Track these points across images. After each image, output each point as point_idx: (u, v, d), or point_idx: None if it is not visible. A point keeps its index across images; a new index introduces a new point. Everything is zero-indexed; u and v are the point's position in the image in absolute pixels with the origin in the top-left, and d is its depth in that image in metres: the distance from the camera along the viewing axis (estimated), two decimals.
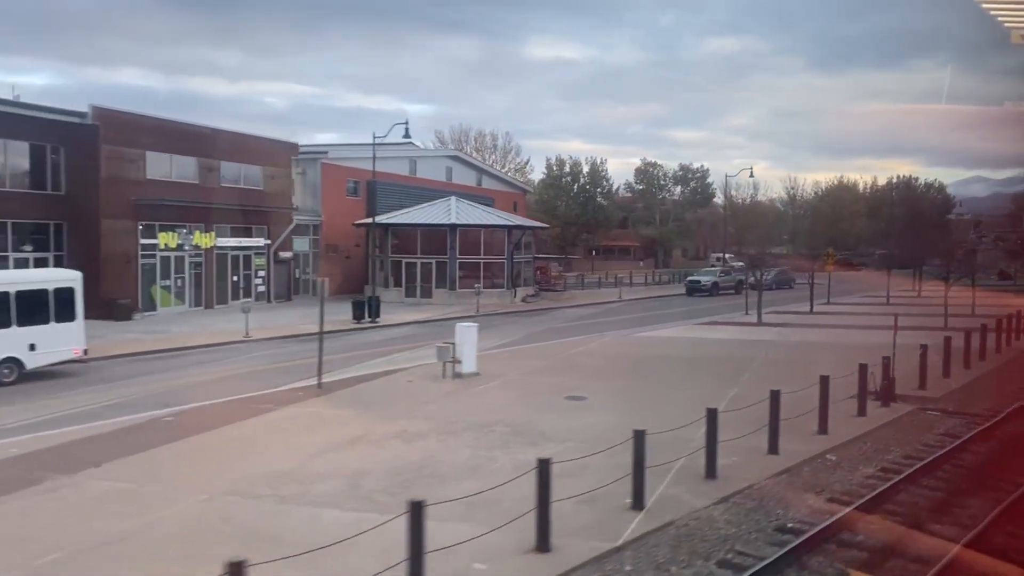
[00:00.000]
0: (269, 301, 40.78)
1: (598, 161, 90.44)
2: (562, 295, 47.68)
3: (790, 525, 9.85)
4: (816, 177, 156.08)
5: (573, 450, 12.28)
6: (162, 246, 34.50)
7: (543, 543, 8.90)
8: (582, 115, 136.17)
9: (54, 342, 20.09)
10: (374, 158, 38.14)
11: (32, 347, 19.66)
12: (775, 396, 12.89)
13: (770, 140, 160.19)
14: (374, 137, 36.18)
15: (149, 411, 15.97)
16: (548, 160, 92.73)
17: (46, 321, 19.98)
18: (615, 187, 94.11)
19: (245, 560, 6.32)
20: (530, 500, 8.95)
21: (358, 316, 32.72)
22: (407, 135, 37.69)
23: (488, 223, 43.14)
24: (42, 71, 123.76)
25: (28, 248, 30.77)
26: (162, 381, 20.06)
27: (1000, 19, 9.59)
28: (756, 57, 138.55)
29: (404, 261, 42.38)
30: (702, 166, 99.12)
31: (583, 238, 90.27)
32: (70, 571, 8.51)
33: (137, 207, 33.22)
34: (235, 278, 39.16)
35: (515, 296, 42.63)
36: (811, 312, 35.52)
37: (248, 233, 39.91)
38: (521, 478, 9.69)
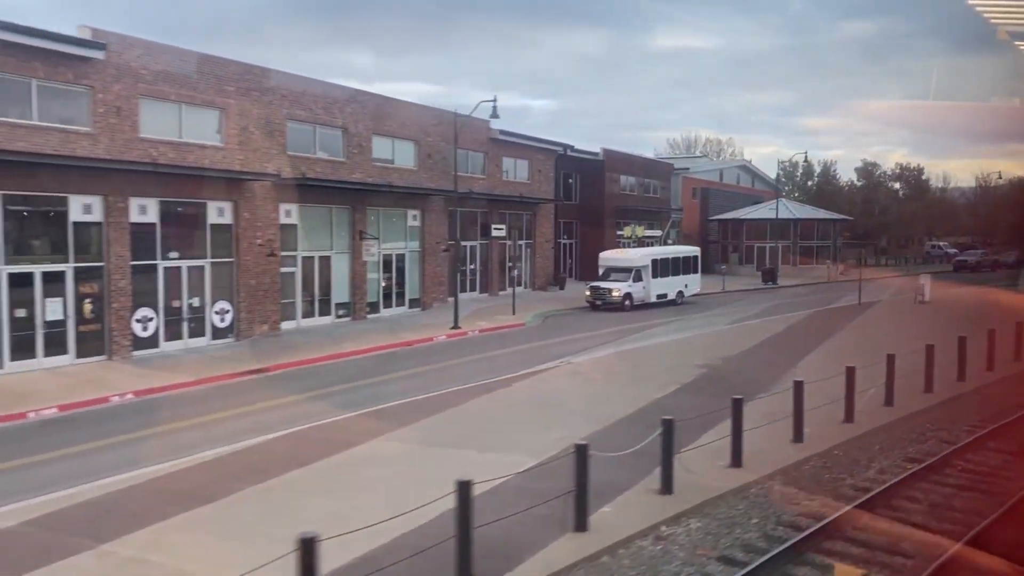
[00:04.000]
0: None
1: (829, 161, 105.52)
2: (863, 270, 63.71)
3: None
4: (956, 164, 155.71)
5: None
6: (625, 236, 53.37)
7: None
8: (708, 104, 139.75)
9: (691, 285, 38.79)
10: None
11: (685, 286, 38.36)
12: None
13: (908, 127, 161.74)
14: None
15: (805, 309, 33.81)
16: (781, 161, 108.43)
17: (688, 273, 38.65)
18: (843, 184, 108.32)
19: None
20: None
21: (766, 280, 50.42)
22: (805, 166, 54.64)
23: (819, 217, 60.13)
24: None
25: (565, 237, 50.12)
26: (752, 305, 38.02)
27: (987, 16, 9.19)
28: (893, 40, 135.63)
29: (756, 246, 59.90)
30: (918, 165, 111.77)
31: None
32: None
33: (617, 211, 52.22)
34: None
35: (837, 271, 59.31)
36: None
37: (652, 226, 58.42)
38: None
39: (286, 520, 9.65)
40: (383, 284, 32.19)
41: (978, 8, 8.98)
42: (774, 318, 31.89)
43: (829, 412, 14.36)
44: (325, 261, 29.42)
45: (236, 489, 11.14)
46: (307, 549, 6.71)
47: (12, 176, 19.22)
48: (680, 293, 38.03)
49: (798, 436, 13.13)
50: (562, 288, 44.15)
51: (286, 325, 27.40)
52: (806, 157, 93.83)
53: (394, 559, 8.23)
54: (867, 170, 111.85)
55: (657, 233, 59.12)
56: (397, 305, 32.96)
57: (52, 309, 20.42)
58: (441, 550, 8.20)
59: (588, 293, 36.01)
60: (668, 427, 10.48)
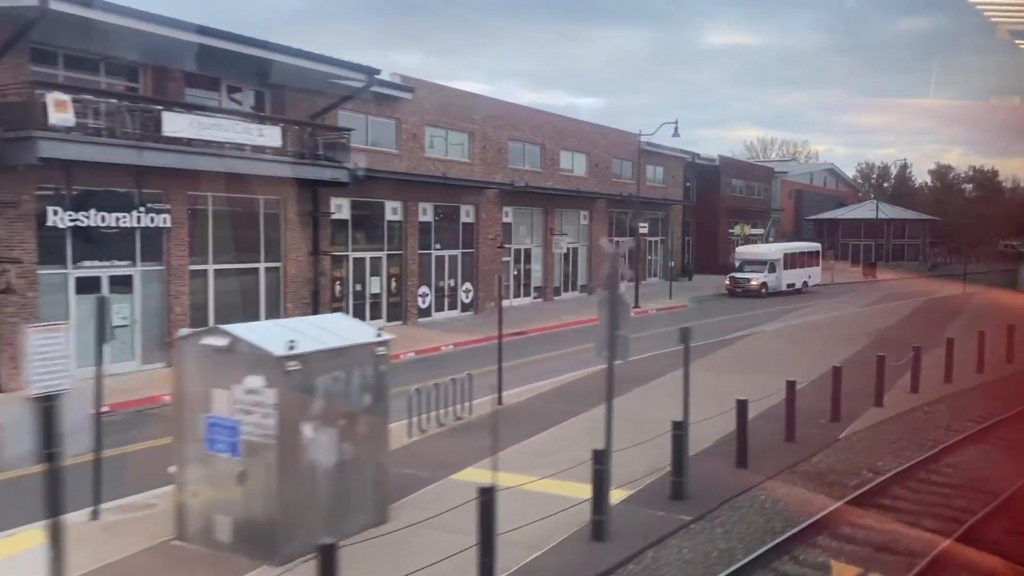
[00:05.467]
0: None
1: (905, 164, 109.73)
2: (948, 266, 68.75)
3: None
4: (1017, 164, 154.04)
5: None
6: (735, 234, 59.30)
7: None
8: (757, 102, 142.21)
9: (813, 276, 44.72)
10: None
11: (809, 277, 44.30)
12: None
13: (965, 124, 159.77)
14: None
15: (918, 297, 39.44)
16: (859, 164, 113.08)
17: (811, 266, 44.58)
18: (917, 184, 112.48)
19: None
20: None
21: (866, 275, 56.00)
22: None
23: (910, 218, 65.43)
24: None
25: (687, 236, 56.21)
26: (867, 294, 43.68)
27: (987, 14, 9.12)
28: (951, 37, 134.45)
29: (850, 243, 65.34)
30: (992, 167, 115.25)
31: None
32: None
33: (727, 211, 58.19)
34: None
35: (926, 267, 64.49)
36: None
37: (755, 225, 64.22)
38: None
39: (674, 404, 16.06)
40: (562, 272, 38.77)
41: (979, 7, 8.95)
42: (897, 303, 37.65)
43: (992, 356, 20.38)
44: (527, 253, 36.05)
45: (631, 388, 17.62)
46: (741, 408, 13.04)
47: (357, 187, 26.04)
48: (805, 283, 43.98)
49: (980, 368, 19.22)
50: (690, 279, 50.27)
51: (503, 303, 34.03)
52: (905, 162, 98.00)
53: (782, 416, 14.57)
54: (941, 172, 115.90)
55: (760, 231, 64.92)
56: (571, 290, 39.48)
57: (373, 285, 27.33)
58: (806, 410, 14.56)
59: (728, 282, 42.15)
60: (917, 351, 16.71)
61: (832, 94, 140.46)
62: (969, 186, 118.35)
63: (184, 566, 8.49)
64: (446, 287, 30.75)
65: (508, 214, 34.22)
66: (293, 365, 8.32)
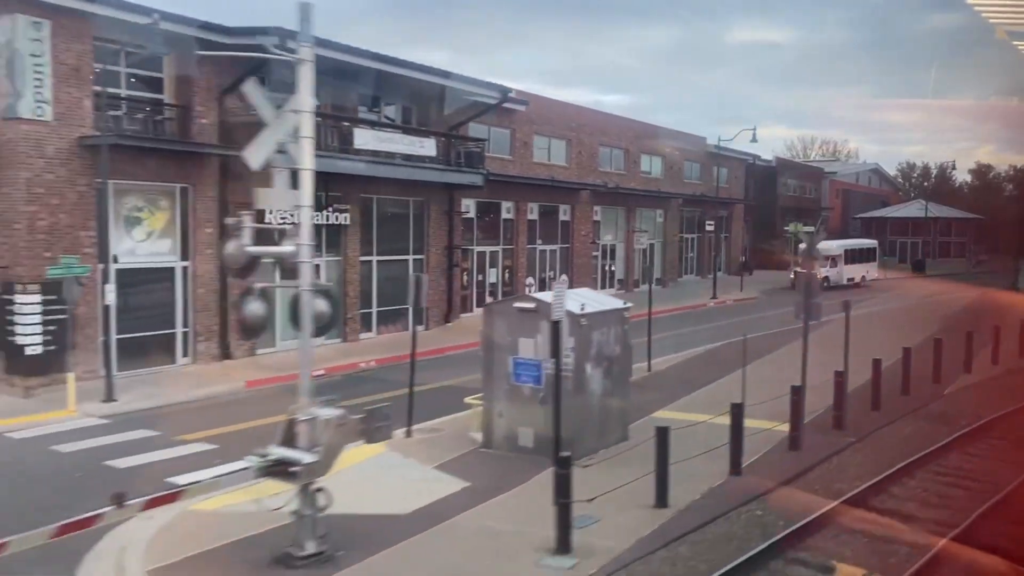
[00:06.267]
0: None
1: (953, 166, 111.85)
2: (990, 263, 71.07)
3: None
4: None
5: None
6: (789, 231, 62.15)
7: None
8: (785, 99, 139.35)
9: (869, 271, 47.61)
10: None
11: (867, 272, 47.19)
12: None
13: (999, 121, 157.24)
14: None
15: (971, 291, 42.21)
16: (899, 164, 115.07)
17: (869, 261, 47.47)
18: (957, 183, 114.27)
19: None
20: None
21: (915, 270, 58.66)
22: None
23: (955, 216, 68.01)
24: None
25: (747, 233, 59.21)
26: (921, 288, 46.45)
27: (985, 15, 9.12)
28: (985, 32, 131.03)
29: (898, 241, 67.98)
30: None
31: None
32: None
33: (782, 210, 61.11)
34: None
35: (970, 264, 66.95)
36: None
37: (806, 223, 66.96)
38: None
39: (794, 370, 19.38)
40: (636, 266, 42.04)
41: (977, 7, 8.95)
42: (955, 296, 40.51)
43: None
44: (611, 248, 39.40)
45: (752, 360, 20.87)
46: (876, 365, 16.29)
47: (481, 189, 29.53)
48: (863, 277, 46.96)
49: None
50: (751, 274, 53.29)
51: None
52: (953, 165, 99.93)
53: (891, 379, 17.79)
54: (981, 171, 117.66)
55: (810, 230, 67.70)
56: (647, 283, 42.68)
57: (491, 275, 30.84)
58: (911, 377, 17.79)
59: (792, 275, 45.12)
60: (997, 329, 19.87)
61: (859, 91, 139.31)
62: (1009, 185, 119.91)
63: (502, 462, 11.95)
64: (547, 278, 34.18)
65: (597, 213, 37.58)
66: (584, 321, 11.76)
